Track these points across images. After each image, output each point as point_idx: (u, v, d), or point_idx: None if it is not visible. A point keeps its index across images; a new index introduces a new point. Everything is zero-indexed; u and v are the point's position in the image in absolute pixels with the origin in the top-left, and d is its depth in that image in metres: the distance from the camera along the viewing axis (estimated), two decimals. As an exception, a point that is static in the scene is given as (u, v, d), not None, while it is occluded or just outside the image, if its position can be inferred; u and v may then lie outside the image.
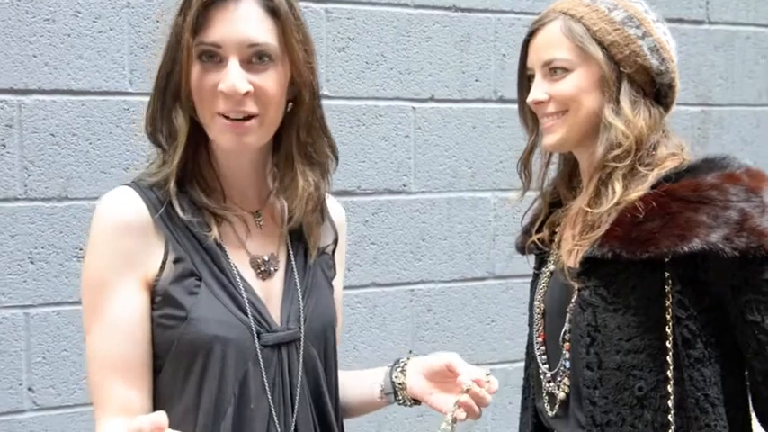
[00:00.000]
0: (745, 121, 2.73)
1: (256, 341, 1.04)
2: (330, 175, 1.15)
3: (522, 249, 1.47)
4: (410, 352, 1.19)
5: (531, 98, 1.32)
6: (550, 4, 1.36)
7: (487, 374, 1.12)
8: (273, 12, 1.03)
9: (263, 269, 1.10)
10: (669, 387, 1.19)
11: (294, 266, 1.12)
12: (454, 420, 1.10)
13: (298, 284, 1.11)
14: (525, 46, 1.36)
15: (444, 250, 2.33)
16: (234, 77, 1.01)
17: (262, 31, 1.02)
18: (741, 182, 1.18)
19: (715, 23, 2.68)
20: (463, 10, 2.33)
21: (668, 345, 1.19)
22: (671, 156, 1.26)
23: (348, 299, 2.23)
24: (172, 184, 1.05)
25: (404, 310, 2.29)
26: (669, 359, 1.19)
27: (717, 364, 1.20)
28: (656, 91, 1.30)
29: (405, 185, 2.28)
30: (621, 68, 1.27)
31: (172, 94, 1.05)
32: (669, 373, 1.19)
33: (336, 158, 1.15)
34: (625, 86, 1.27)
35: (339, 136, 2.21)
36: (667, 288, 1.19)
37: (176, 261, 1.04)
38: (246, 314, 1.05)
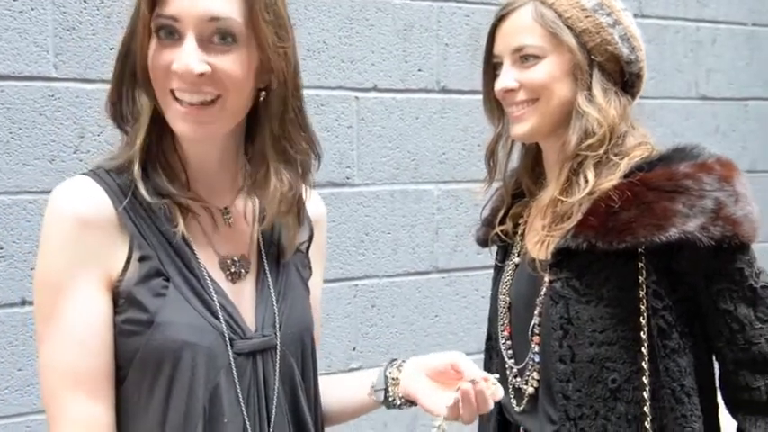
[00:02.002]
0: (675, 114, 2.79)
1: (229, 349, 0.96)
2: (310, 174, 1.05)
3: (484, 242, 1.44)
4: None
5: (500, 86, 1.28)
6: None
7: (494, 382, 1.02)
8: None
9: (232, 270, 1.01)
10: (644, 378, 1.18)
11: (267, 268, 1.04)
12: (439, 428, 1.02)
13: (271, 287, 1.03)
14: (492, 32, 1.32)
15: (388, 244, 2.28)
16: (188, 56, 0.91)
17: (225, 3, 0.92)
18: (714, 171, 1.18)
19: (647, 17, 2.72)
20: (406, -3, 2.28)
21: (643, 336, 1.18)
22: (639, 145, 1.25)
23: (291, 296, 2.16)
24: (136, 168, 0.95)
25: (348, 307, 2.22)
26: (644, 350, 1.18)
27: (691, 354, 1.20)
28: (624, 80, 1.29)
29: (348, 178, 2.22)
30: (593, 56, 1.25)
31: (131, 72, 0.96)
32: (644, 365, 1.18)
33: (318, 155, 1.05)
34: (596, 75, 1.25)
35: (280, 126, 2.13)
36: (641, 278, 1.18)
37: (142, 259, 0.94)
38: (218, 319, 0.96)
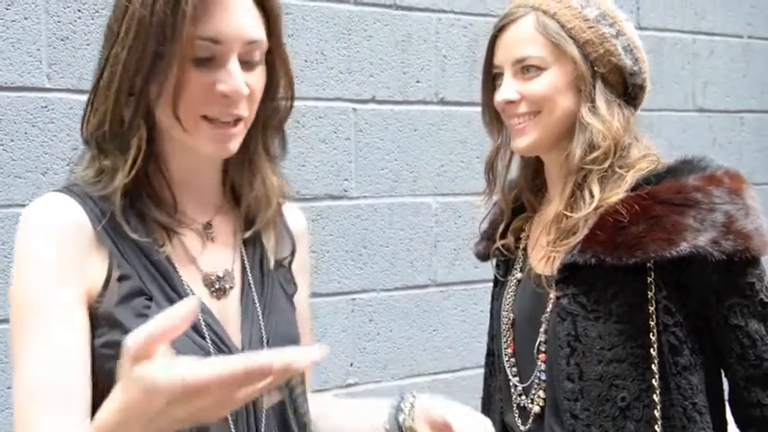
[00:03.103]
0: (673, 127, 2.78)
1: None
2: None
3: (484, 256, 1.41)
4: (410, 394, 1.05)
5: (501, 97, 1.25)
6: (511, 2, 1.30)
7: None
8: (260, 1, 0.94)
9: (217, 287, 0.98)
10: (655, 396, 1.15)
11: (251, 281, 1.01)
12: None
13: (256, 302, 1.00)
14: (492, 42, 1.29)
15: (386, 257, 2.25)
16: (238, 78, 0.90)
17: (258, 26, 0.93)
18: (723, 184, 1.16)
19: (645, 29, 2.71)
20: (404, 8, 2.25)
21: (653, 353, 1.15)
22: (644, 157, 1.23)
23: (287, 310, 2.12)
24: (118, 198, 0.92)
25: (345, 321, 2.19)
26: (654, 367, 1.15)
27: (702, 371, 1.18)
28: (627, 91, 1.27)
29: (346, 190, 2.19)
30: (596, 68, 1.23)
31: (142, 96, 0.91)
32: (655, 382, 1.15)
33: (284, 155, 1.07)
34: (599, 86, 1.23)
35: (278, 138, 2.10)
36: (650, 294, 1.15)
37: (122, 279, 0.91)
38: (204, 338, 0.93)
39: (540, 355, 1.24)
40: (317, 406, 1.12)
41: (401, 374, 2.28)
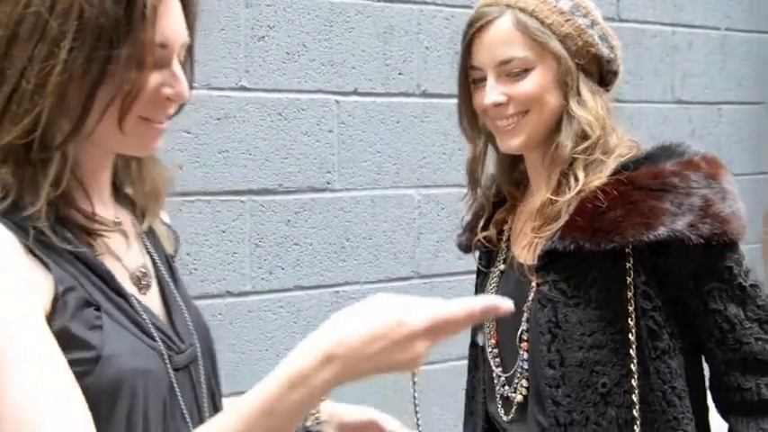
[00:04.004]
0: (651, 119, 2.80)
1: (169, 366, 0.92)
2: None
3: (467, 248, 1.41)
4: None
5: (488, 101, 1.23)
6: None
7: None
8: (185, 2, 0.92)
9: (143, 283, 0.96)
10: (633, 381, 1.16)
11: (165, 274, 1.00)
12: None
13: (175, 293, 0.99)
14: (469, 43, 1.26)
15: (369, 250, 2.25)
16: (185, 83, 0.90)
17: (185, 25, 0.91)
18: (700, 168, 1.17)
19: (625, 21, 2.73)
20: (386, 0, 2.25)
21: (631, 338, 1.16)
22: (623, 143, 1.24)
23: (270, 303, 2.12)
24: (44, 213, 0.85)
25: (329, 314, 2.15)
26: (633, 352, 1.16)
27: (681, 356, 1.18)
28: (601, 78, 1.28)
29: (329, 183, 2.19)
30: (576, 60, 1.23)
31: (89, 102, 0.85)
32: (633, 367, 1.16)
33: None
34: (582, 78, 1.24)
35: (260, 131, 2.10)
36: (629, 279, 1.16)
37: (67, 291, 0.85)
38: (154, 339, 0.91)
39: (522, 344, 1.25)
40: None
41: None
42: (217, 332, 2.02)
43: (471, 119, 1.31)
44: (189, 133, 2.00)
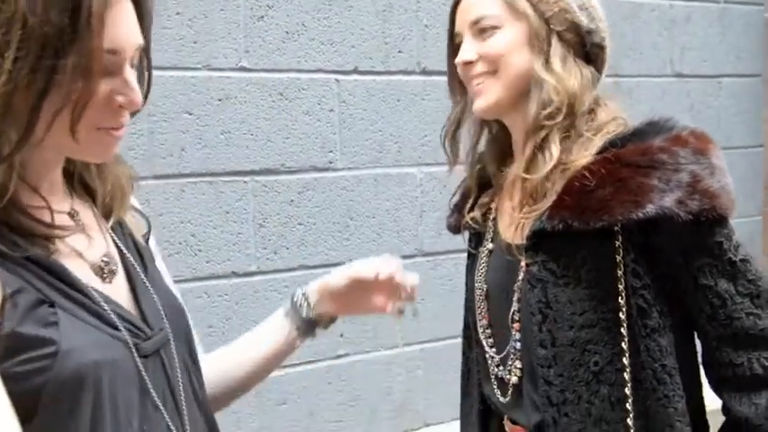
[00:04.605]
0: (650, 93, 2.79)
1: (135, 354, 0.92)
2: None
3: (456, 228, 1.41)
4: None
5: (459, 59, 1.25)
6: None
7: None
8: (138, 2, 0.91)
9: (106, 271, 0.96)
10: (624, 359, 1.16)
11: (132, 261, 1.00)
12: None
13: (144, 279, 0.99)
14: (453, 11, 1.29)
15: (372, 228, 2.26)
16: (137, 90, 0.88)
17: (138, 28, 0.90)
18: (689, 144, 1.16)
19: (623, -6, 2.72)
20: (384, -22, 2.24)
21: (622, 316, 1.15)
22: (612, 120, 1.23)
23: (276, 284, 2.13)
24: None
25: (333, 293, 2.19)
26: (624, 331, 1.15)
27: (671, 333, 1.18)
28: (586, 52, 1.27)
29: (331, 162, 2.19)
30: (551, 25, 1.23)
31: (35, 113, 0.84)
32: (624, 345, 1.16)
33: None
34: (555, 43, 1.23)
35: (261, 111, 2.10)
36: (618, 257, 1.15)
37: (15, 294, 0.84)
38: (118, 328, 0.91)
39: (514, 324, 1.24)
40: (218, 362, 1.16)
41: (390, 344, 2.29)
42: (223, 312, 2.05)
43: (458, 86, 1.32)
44: (190, 114, 2.00)
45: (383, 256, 1.21)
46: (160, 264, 1.10)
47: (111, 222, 1.00)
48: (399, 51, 2.28)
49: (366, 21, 2.22)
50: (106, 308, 0.91)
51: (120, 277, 0.98)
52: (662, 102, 2.81)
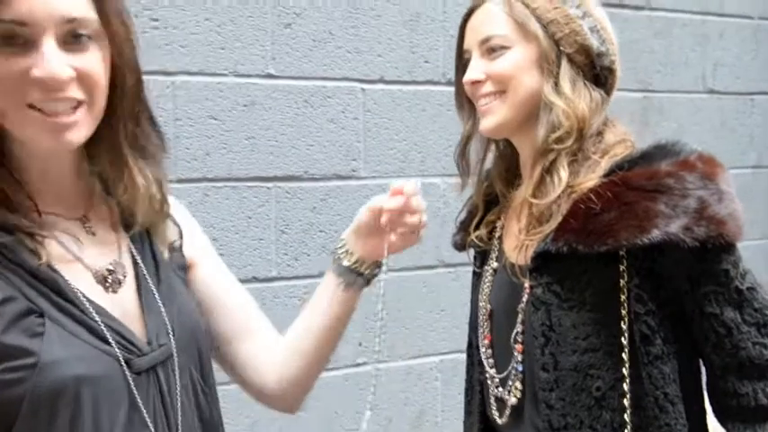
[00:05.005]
0: (682, 109, 2.75)
1: (127, 371, 0.89)
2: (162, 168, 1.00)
3: (461, 246, 1.40)
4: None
5: (467, 77, 1.25)
6: None
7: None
8: None
9: (110, 281, 0.94)
10: (625, 385, 1.14)
11: (145, 272, 0.97)
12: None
13: (155, 292, 0.96)
14: (462, 27, 1.29)
15: (394, 238, 2.25)
16: (53, 61, 0.83)
17: (77, 2, 0.86)
18: (696, 169, 1.13)
19: (655, 10, 2.69)
20: (412, -13, 2.25)
21: (624, 341, 1.14)
22: (619, 143, 1.21)
23: (296, 290, 2.13)
24: None
25: (353, 301, 2.19)
26: (625, 356, 1.14)
27: (675, 361, 1.15)
28: (596, 75, 1.25)
29: (354, 170, 2.19)
30: (561, 47, 1.22)
31: None
32: (625, 371, 1.14)
33: (165, 150, 1.00)
34: (565, 66, 1.22)
35: (287, 118, 2.11)
36: (622, 282, 1.14)
37: (4, 302, 0.84)
38: (108, 343, 0.89)
39: (516, 346, 1.23)
40: (287, 341, 1.14)
41: (409, 354, 2.29)
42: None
43: (465, 103, 1.32)
44: (216, 120, 2.02)
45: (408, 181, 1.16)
46: (209, 255, 1.09)
47: (133, 230, 0.98)
48: (426, 61, 2.27)
49: (393, 30, 2.22)
50: (98, 320, 0.89)
51: (128, 288, 0.96)
52: (693, 118, 2.77)
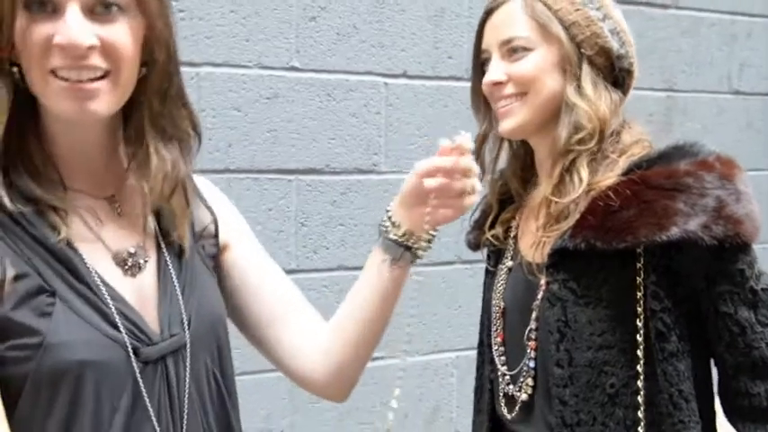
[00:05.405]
0: (707, 109, 2.73)
1: (133, 359, 0.87)
2: (192, 154, 0.97)
3: (475, 246, 1.41)
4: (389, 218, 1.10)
5: (488, 78, 1.25)
6: None
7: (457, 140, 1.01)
8: None
9: (130, 264, 0.92)
10: (639, 382, 1.14)
11: (168, 259, 0.95)
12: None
13: (175, 279, 0.94)
14: (481, 27, 1.29)
15: (413, 233, 2.25)
16: (74, 27, 0.83)
17: None
18: (715, 169, 1.14)
19: (682, 9, 2.66)
20: (438, -18, 2.24)
21: (639, 338, 1.14)
22: (636, 142, 1.22)
23: (315, 282, 2.14)
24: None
25: (371, 295, 2.20)
26: (640, 353, 1.14)
27: (689, 359, 1.16)
28: (614, 76, 1.26)
29: (375, 165, 2.20)
30: (582, 50, 1.22)
31: None
32: (639, 368, 1.14)
33: (199, 135, 0.98)
34: (585, 68, 1.22)
35: (309, 111, 2.12)
36: (639, 279, 1.14)
37: (18, 278, 0.83)
38: (118, 329, 0.87)
39: (530, 343, 1.24)
40: (334, 324, 1.08)
41: (425, 350, 2.29)
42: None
43: (481, 103, 1.32)
44: (239, 111, 2.03)
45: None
46: (249, 242, 1.05)
47: (148, 208, 0.95)
48: (449, 57, 2.27)
49: (417, 25, 2.22)
50: (110, 304, 0.87)
51: (148, 274, 0.94)
52: (718, 119, 2.74)
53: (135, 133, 0.93)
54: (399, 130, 2.22)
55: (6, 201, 0.85)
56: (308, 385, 1.10)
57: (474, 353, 2.33)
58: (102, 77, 0.86)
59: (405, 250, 1.07)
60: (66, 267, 0.87)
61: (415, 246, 1.07)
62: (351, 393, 1.12)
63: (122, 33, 0.87)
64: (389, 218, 1.07)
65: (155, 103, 0.92)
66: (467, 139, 1.02)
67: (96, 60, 0.85)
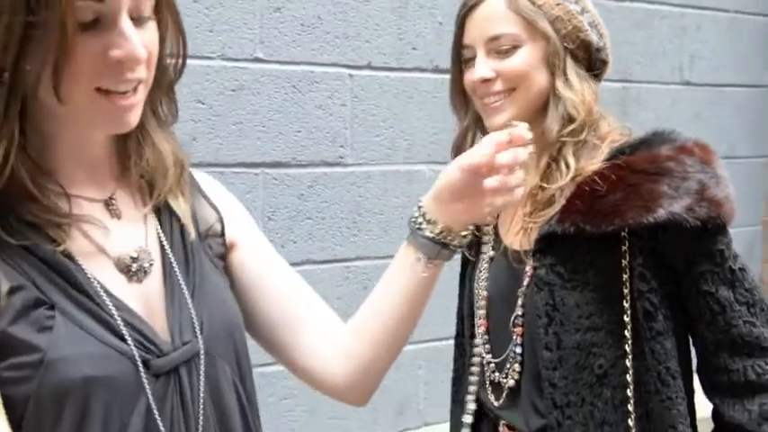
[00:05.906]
0: (660, 100, 2.80)
1: (142, 372, 0.82)
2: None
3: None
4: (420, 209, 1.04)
5: (477, 76, 1.25)
6: None
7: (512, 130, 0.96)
8: None
9: (134, 269, 0.86)
10: (627, 362, 1.18)
11: (172, 259, 0.89)
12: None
13: (182, 282, 0.88)
14: (462, 21, 1.29)
15: (380, 225, 2.25)
16: (134, 40, 0.78)
17: None
18: (694, 154, 1.19)
19: (635, 1, 2.72)
20: (401, -26, 2.24)
21: (626, 319, 1.17)
22: (614, 130, 1.26)
23: (282, 277, 2.11)
24: None
25: (339, 289, 2.19)
26: (627, 333, 1.17)
27: (674, 337, 1.20)
28: (591, 67, 1.29)
29: (341, 157, 2.18)
30: (565, 43, 1.25)
31: (16, 77, 0.78)
32: (627, 348, 1.17)
33: (175, 117, 0.94)
34: (569, 61, 1.25)
35: (274, 103, 2.09)
36: (624, 261, 1.17)
37: (12, 292, 0.78)
38: (125, 340, 0.81)
39: (516, 329, 1.26)
40: (356, 325, 1.04)
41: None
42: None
43: (461, 97, 1.33)
44: (203, 104, 1.99)
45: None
46: (251, 238, 1.01)
47: (149, 204, 0.90)
48: (413, 48, 2.27)
49: (382, 16, 2.22)
50: (115, 315, 0.82)
51: (154, 278, 0.88)
52: (671, 109, 2.82)
53: (138, 130, 0.89)
54: (365, 122, 2.21)
55: (4, 235, 0.80)
56: (327, 389, 1.05)
57: (441, 344, 2.36)
58: (136, 86, 0.83)
59: (442, 248, 1.01)
60: (64, 278, 0.81)
61: (453, 242, 1.01)
62: (370, 398, 1.08)
63: (154, 39, 0.84)
64: (423, 215, 1.01)
65: (164, 100, 0.91)
66: (525, 129, 0.98)
67: (142, 73, 0.82)
